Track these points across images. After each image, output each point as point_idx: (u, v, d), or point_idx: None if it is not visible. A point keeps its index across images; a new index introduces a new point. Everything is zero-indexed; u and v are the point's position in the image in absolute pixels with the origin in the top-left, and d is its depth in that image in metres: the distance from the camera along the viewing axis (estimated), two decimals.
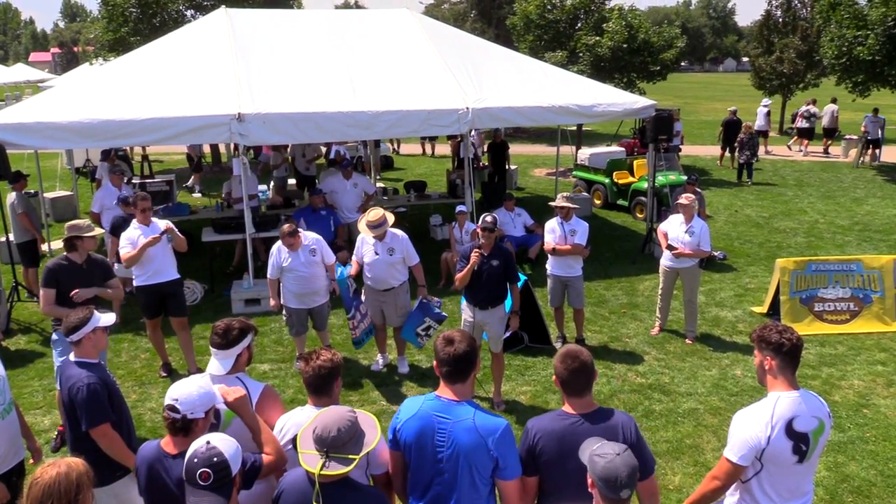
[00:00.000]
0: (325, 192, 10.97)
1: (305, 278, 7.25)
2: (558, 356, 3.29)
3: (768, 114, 23.88)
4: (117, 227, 8.59)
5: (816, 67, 26.27)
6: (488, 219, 6.53)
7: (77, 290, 5.89)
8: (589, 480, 2.82)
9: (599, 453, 2.77)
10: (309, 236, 7.37)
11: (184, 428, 3.21)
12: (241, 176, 11.05)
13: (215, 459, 2.73)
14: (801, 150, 23.97)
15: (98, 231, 6.11)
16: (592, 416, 3.24)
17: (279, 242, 7.27)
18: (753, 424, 3.33)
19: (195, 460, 2.74)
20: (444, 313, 7.46)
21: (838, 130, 24.05)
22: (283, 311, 7.67)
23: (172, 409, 3.19)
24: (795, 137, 24.66)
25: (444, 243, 11.70)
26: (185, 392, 3.22)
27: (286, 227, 7.17)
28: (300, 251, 7.19)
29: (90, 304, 4.40)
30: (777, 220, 14.36)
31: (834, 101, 23.77)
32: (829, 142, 23.92)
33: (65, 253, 6.09)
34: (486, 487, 3.24)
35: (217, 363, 3.72)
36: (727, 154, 20.76)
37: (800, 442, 3.32)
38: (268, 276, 7.42)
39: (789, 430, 3.31)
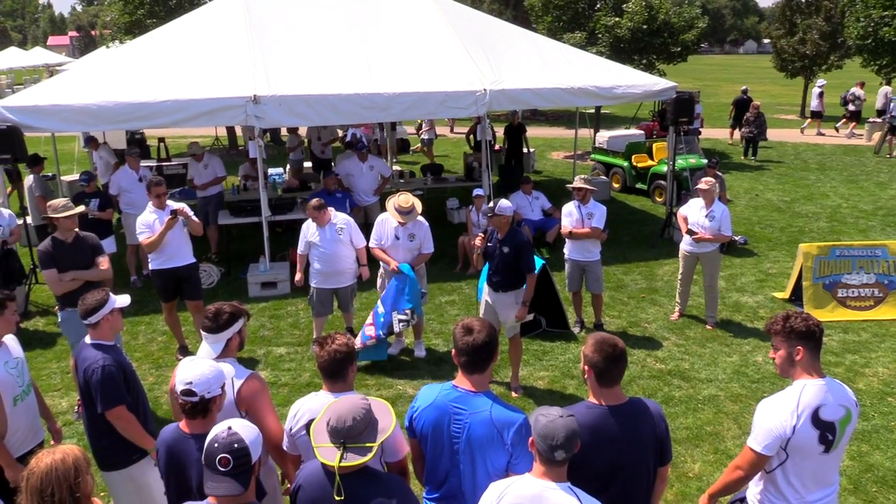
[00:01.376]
0: (342, 175, 10.91)
1: (329, 256, 7.26)
2: (591, 345, 3.17)
3: (821, 94, 23.44)
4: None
5: (840, 49, 25.77)
6: (488, 205, 6.44)
7: (71, 273, 5.89)
8: (530, 440, 2.81)
9: (544, 413, 2.77)
10: (339, 216, 7.42)
11: (203, 409, 3.19)
12: (216, 163, 10.98)
13: (236, 445, 2.68)
14: (846, 132, 23.65)
15: (77, 210, 6.05)
16: (625, 408, 3.16)
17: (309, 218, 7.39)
18: (778, 413, 3.26)
19: (215, 445, 2.69)
20: (406, 320, 7.22)
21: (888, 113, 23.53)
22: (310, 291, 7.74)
23: (189, 393, 3.16)
24: (844, 120, 24.25)
25: (461, 227, 11.62)
26: (197, 373, 3.19)
27: (314, 201, 7.29)
28: (326, 228, 7.24)
29: (104, 287, 4.38)
30: (799, 205, 14.14)
31: (888, 82, 23.18)
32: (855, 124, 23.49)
33: (52, 234, 6.07)
34: None
35: (207, 347, 3.71)
36: (737, 132, 20.76)
37: (826, 431, 3.25)
38: (298, 250, 7.50)
39: (815, 418, 3.24)
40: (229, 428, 2.74)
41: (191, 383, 3.16)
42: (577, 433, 2.72)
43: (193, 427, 3.23)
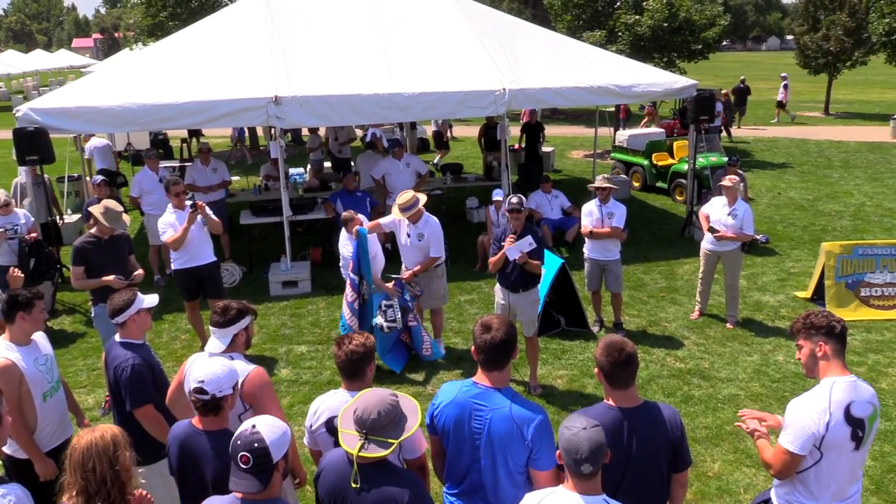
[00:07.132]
0: (377, 177, 10.90)
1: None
2: (601, 348, 3.19)
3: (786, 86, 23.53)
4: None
5: (865, 45, 25.45)
6: (514, 200, 6.42)
7: (97, 281, 6.21)
8: (557, 452, 2.76)
9: (568, 426, 2.70)
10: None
11: (214, 407, 3.26)
12: (223, 167, 11.03)
13: (256, 445, 2.73)
14: None
15: (125, 223, 6.43)
16: (639, 410, 3.17)
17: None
18: (810, 412, 3.22)
19: (238, 443, 2.76)
20: (397, 323, 7.20)
21: None
22: None
23: (200, 391, 3.22)
24: None
25: (481, 226, 11.65)
26: (209, 372, 3.25)
27: (352, 215, 7.37)
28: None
29: (133, 287, 4.47)
30: (822, 203, 14.00)
31: None
32: None
33: (91, 231, 6.41)
34: (522, 477, 3.21)
35: (216, 341, 3.79)
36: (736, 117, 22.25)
37: (857, 428, 3.23)
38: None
39: (848, 415, 3.20)
40: (253, 426, 2.79)
41: (202, 382, 3.22)
42: (603, 445, 2.64)
43: (206, 423, 3.29)
